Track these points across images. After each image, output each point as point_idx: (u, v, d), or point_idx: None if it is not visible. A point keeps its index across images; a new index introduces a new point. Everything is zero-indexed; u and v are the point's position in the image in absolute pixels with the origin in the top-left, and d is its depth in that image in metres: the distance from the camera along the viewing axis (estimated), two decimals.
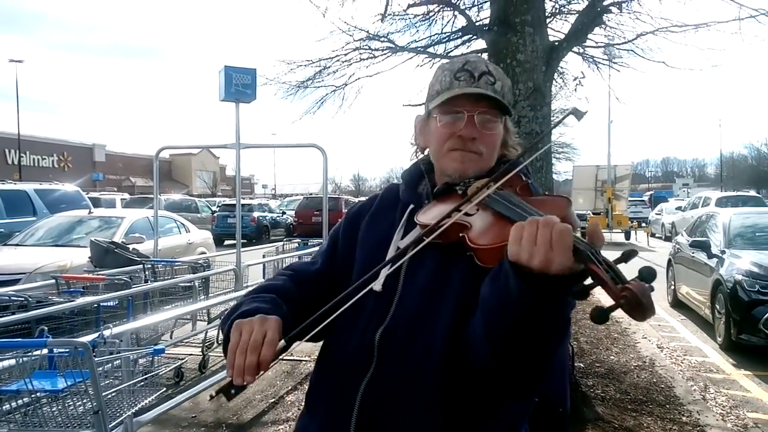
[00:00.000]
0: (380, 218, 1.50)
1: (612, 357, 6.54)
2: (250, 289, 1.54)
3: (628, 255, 1.03)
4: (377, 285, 1.32)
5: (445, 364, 1.25)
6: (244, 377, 1.19)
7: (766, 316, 6.54)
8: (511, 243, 1.05)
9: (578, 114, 1.35)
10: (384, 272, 1.32)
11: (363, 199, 1.70)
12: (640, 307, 0.93)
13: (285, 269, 1.60)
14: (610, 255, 1.04)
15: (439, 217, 1.27)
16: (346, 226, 1.56)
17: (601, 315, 0.98)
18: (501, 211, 1.21)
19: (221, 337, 6.96)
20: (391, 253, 1.37)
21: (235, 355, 1.20)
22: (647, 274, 0.97)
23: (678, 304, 9.78)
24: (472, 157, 1.38)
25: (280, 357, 1.26)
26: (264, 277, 9.07)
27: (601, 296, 1.19)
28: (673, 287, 10.10)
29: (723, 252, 7.86)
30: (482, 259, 1.18)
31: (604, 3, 5.94)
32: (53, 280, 5.78)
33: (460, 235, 1.24)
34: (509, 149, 1.49)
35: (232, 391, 1.21)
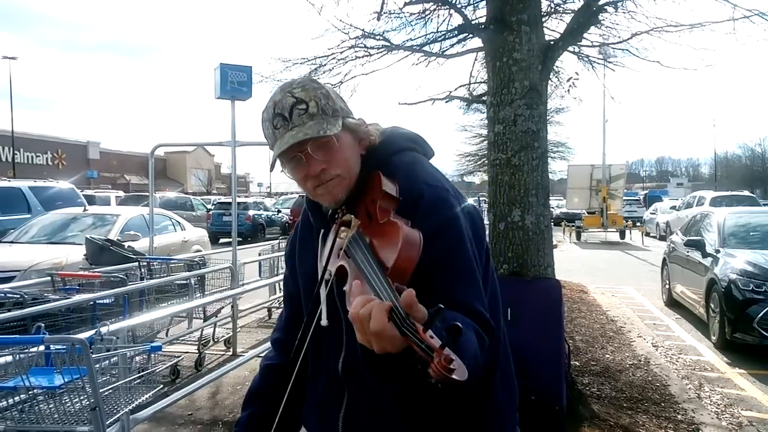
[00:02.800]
0: (305, 245, 1.56)
1: (607, 355, 6.57)
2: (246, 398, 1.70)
3: (434, 315, 0.98)
4: (323, 321, 1.35)
5: (398, 389, 1.29)
6: None
7: (760, 315, 6.58)
8: (356, 330, 1.06)
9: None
10: (323, 305, 1.34)
11: None
12: (446, 380, 0.91)
13: (272, 334, 1.74)
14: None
15: (325, 259, 1.31)
16: (288, 264, 1.68)
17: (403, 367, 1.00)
18: (358, 267, 1.19)
19: (217, 334, 6.97)
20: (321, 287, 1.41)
21: None
22: (453, 332, 0.95)
23: (673, 303, 9.82)
24: (333, 184, 1.39)
25: None
26: (260, 275, 9.07)
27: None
28: (667, 286, 10.14)
29: (717, 251, 7.89)
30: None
31: (600, 2, 5.95)
32: (49, 278, 5.77)
33: (344, 289, 1.22)
34: (368, 137, 1.47)
35: None
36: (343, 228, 1.32)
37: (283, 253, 9.76)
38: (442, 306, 0.96)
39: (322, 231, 1.46)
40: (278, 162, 1.43)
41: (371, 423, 1.39)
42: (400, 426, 1.35)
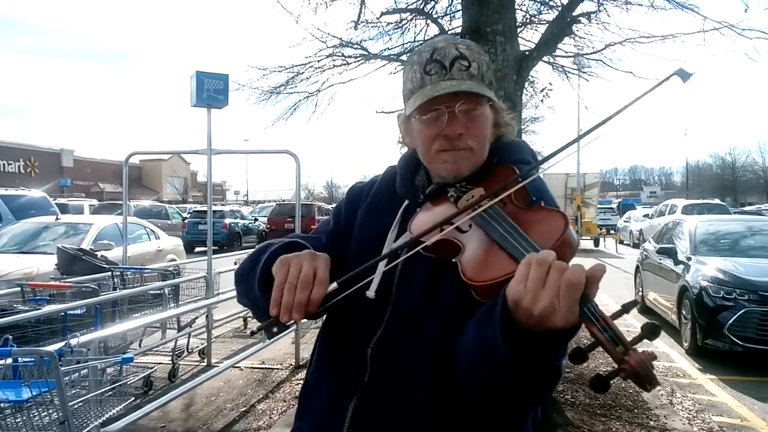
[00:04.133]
0: (377, 208, 1.43)
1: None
2: (261, 244, 1.43)
3: (627, 307, 0.98)
4: (370, 292, 1.26)
5: (436, 379, 1.22)
6: (292, 315, 1.13)
7: (730, 321, 6.69)
8: (516, 282, 0.98)
9: (684, 76, 1.21)
10: (377, 277, 1.26)
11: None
12: (639, 379, 0.88)
13: (292, 236, 1.49)
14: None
15: (428, 227, 1.20)
16: (348, 203, 1.51)
17: (599, 383, 0.92)
18: (494, 238, 1.12)
19: (191, 345, 6.88)
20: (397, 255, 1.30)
21: (282, 291, 1.15)
22: (649, 331, 0.92)
23: (646, 310, 9.94)
24: (462, 155, 1.29)
25: (332, 301, 1.18)
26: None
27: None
28: (640, 293, 10.27)
29: (689, 258, 8.02)
30: (478, 294, 1.10)
31: (574, 14, 6.04)
32: (18, 288, 5.66)
33: (453, 260, 1.16)
34: (503, 128, 1.39)
35: (275, 329, 1.16)
36: (468, 198, 1.22)
37: None
38: (638, 301, 0.91)
39: (406, 203, 1.38)
40: (409, 109, 1.30)
41: (385, 412, 1.24)
42: (412, 416, 1.22)
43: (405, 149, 1.48)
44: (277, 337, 1.18)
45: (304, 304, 1.14)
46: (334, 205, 1.57)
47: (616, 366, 0.90)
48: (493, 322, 1.02)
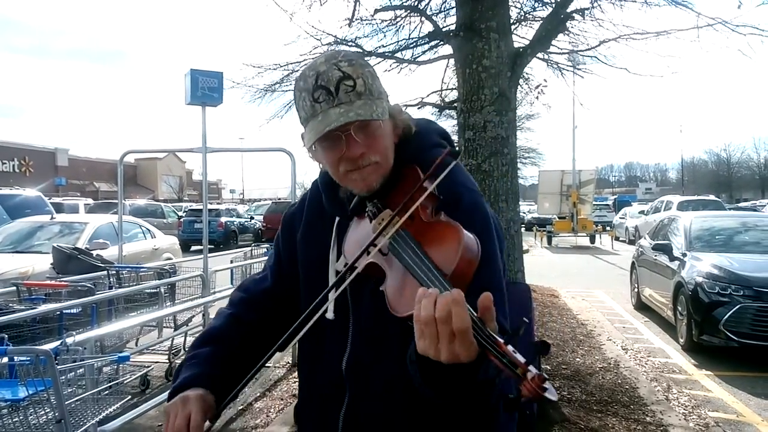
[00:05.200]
0: (313, 229, 1.46)
1: (578, 359, 6.64)
2: (195, 339, 1.53)
3: (518, 330, 0.95)
4: (329, 313, 1.30)
5: (410, 384, 1.22)
6: None
7: (726, 317, 6.70)
8: (417, 338, 1.02)
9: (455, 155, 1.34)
10: (332, 298, 1.28)
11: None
12: (536, 400, 0.89)
13: (236, 291, 1.59)
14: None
15: (357, 250, 1.22)
16: (283, 234, 1.54)
17: (509, 405, 0.93)
18: (405, 266, 1.13)
19: (188, 343, 6.87)
20: (331, 277, 1.34)
21: None
22: (539, 350, 0.95)
23: (642, 307, 9.97)
24: (369, 171, 1.29)
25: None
26: (232, 283, 8.98)
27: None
28: (636, 290, 10.29)
29: (684, 255, 8.04)
30: (407, 321, 1.10)
31: (568, 10, 6.05)
32: (14, 287, 5.64)
33: (380, 289, 1.17)
34: (401, 123, 1.39)
35: None
36: (380, 222, 1.23)
37: (256, 260, 9.73)
38: (527, 320, 0.94)
39: (338, 219, 1.39)
40: (306, 138, 1.32)
41: (373, 422, 1.31)
42: (402, 427, 1.28)
43: None
44: None
45: None
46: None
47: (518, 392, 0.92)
48: (411, 367, 1.11)
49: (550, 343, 0.92)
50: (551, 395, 0.88)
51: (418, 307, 1.00)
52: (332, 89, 1.25)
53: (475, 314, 0.97)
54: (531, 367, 0.89)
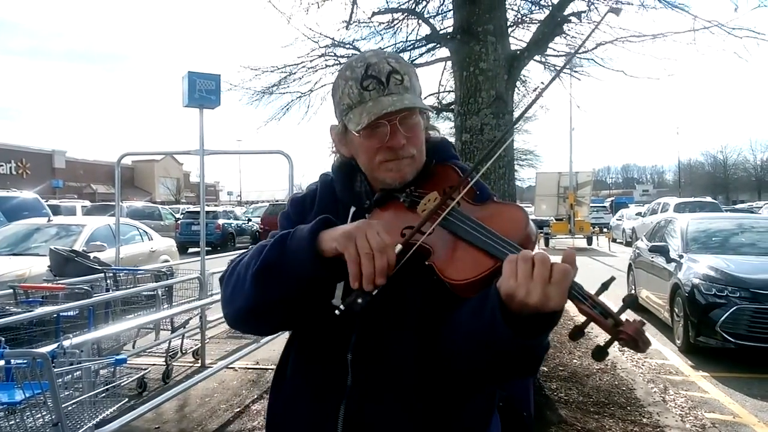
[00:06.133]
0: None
1: (575, 360, 6.65)
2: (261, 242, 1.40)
3: (607, 284, 1.05)
4: (336, 300, 1.27)
5: (419, 371, 1.27)
6: (377, 281, 1.15)
7: (722, 318, 6.72)
8: (506, 278, 1.06)
9: (616, 11, 1.39)
10: (340, 286, 1.26)
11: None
12: (635, 344, 0.98)
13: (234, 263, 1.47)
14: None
15: (391, 232, 1.22)
16: (295, 212, 1.51)
17: (599, 352, 1.03)
18: (463, 236, 1.19)
19: (185, 346, 6.87)
20: None
21: (359, 264, 1.16)
22: (630, 302, 1.02)
23: (638, 308, 9.96)
24: (406, 163, 1.36)
25: (402, 261, 1.20)
26: None
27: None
28: (633, 291, 10.30)
29: (681, 256, 8.05)
30: (458, 292, 1.17)
31: (564, 13, 6.06)
32: (11, 290, 5.63)
33: (426, 263, 1.21)
34: (429, 130, 1.49)
35: (359, 300, 1.16)
36: (425, 202, 1.30)
37: None
38: (615, 277, 1.02)
39: (354, 209, 1.41)
40: (349, 123, 1.35)
41: (377, 411, 1.28)
42: (406, 418, 1.27)
43: (334, 156, 1.55)
44: (361, 308, 1.18)
45: (386, 268, 1.16)
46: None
47: (610, 336, 1.01)
48: (489, 313, 1.10)
49: (636, 296, 1.01)
50: (646, 342, 0.99)
51: (512, 255, 1.08)
52: (383, 80, 1.32)
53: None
54: (623, 316, 0.99)
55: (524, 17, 8.15)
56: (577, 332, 1.05)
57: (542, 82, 8.70)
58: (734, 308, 6.71)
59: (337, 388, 1.31)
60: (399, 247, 1.20)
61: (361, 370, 1.30)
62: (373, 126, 1.31)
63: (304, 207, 1.50)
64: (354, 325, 1.31)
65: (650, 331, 8.58)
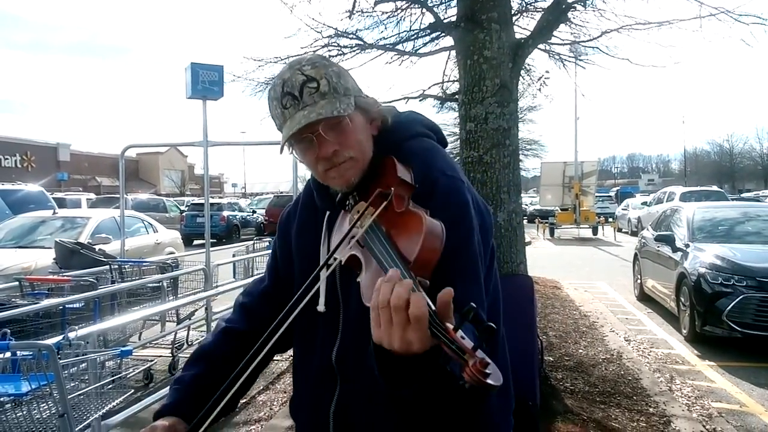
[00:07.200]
0: (306, 226, 1.49)
1: (580, 350, 6.64)
2: (188, 357, 1.56)
3: (466, 314, 0.92)
4: (320, 306, 1.33)
5: None
6: None
7: (729, 307, 6.70)
8: (373, 326, 1.02)
9: None
10: (322, 293, 1.32)
11: None
12: (481, 384, 0.88)
13: (240, 296, 1.65)
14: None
15: (333, 245, 1.25)
16: (279, 234, 1.59)
17: (458, 391, 0.92)
18: (373, 256, 1.15)
19: (191, 337, 6.88)
20: (322, 272, 1.33)
21: None
22: (486, 333, 0.91)
23: (644, 298, 9.96)
24: (346, 167, 1.33)
25: None
26: (234, 277, 8.99)
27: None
28: (639, 281, 10.28)
29: (687, 245, 8.02)
30: None
31: (569, 0, 6.01)
32: (17, 283, 5.65)
33: (357, 280, 1.19)
34: (376, 115, 1.41)
35: None
36: (356, 214, 1.25)
37: (258, 253, 9.74)
38: (474, 305, 0.91)
39: (328, 213, 1.42)
40: (286, 144, 1.36)
41: (364, 415, 1.32)
42: (392, 419, 1.25)
43: None
44: None
45: None
46: None
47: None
48: (371, 359, 1.08)
49: (494, 327, 0.90)
50: (493, 380, 0.87)
51: (376, 293, 1.01)
52: (296, 93, 1.30)
53: (433, 306, 0.97)
54: (478, 352, 0.89)
55: (528, 5, 8.10)
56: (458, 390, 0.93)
57: (547, 71, 8.65)
58: (741, 297, 6.69)
59: (329, 389, 1.37)
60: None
61: (345, 372, 1.35)
62: (300, 143, 1.32)
63: (289, 222, 1.56)
64: (338, 330, 1.37)
65: (656, 321, 8.59)
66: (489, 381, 0.87)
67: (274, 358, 6.27)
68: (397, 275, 1.01)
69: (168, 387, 1.56)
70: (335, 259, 1.23)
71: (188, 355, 5.62)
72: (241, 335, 1.50)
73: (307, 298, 1.23)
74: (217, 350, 1.50)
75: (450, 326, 0.93)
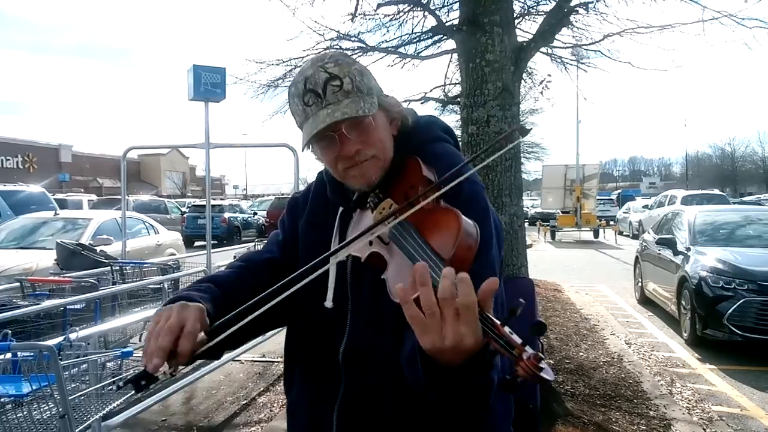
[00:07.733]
0: (316, 217, 1.48)
1: (581, 353, 6.63)
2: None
3: (515, 310, 0.92)
4: (328, 302, 1.31)
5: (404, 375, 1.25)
6: (152, 360, 1.11)
7: (729, 311, 6.69)
8: (420, 333, 0.97)
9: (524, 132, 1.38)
10: (330, 287, 1.31)
11: None
12: (536, 380, 0.89)
13: (237, 260, 1.54)
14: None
15: (360, 241, 1.22)
16: (289, 216, 1.56)
17: (507, 386, 0.92)
18: (407, 255, 1.13)
19: None
20: (332, 268, 1.30)
21: (149, 341, 1.14)
22: (537, 330, 0.91)
23: (645, 301, 9.95)
24: (368, 165, 1.32)
25: (202, 349, 1.16)
26: None
27: None
28: (640, 284, 10.27)
29: (688, 249, 8.01)
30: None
31: (571, 4, 6.02)
32: (18, 283, 5.65)
33: (382, 277, 1.17)
34: (397, 116, 1.41)
35: (142, 382, 1.12)
36: (381, 212, 1.25)
37: None
38: (523, 301, 0.90)
39: (341, 209, 1.41)
40: (305, 141, 1.33)
41: (370, 414, 1.30)
42: (398, 417, 1.28)
43: None
44: (145, 390, 1.16)
45: (165, 351, 1.12)
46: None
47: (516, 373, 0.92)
48: (417, 370, 1.06)
49: (545, 323, 0.90)
50: (547, 375, 0.88)
51: (420, 289, 0.96)
52: (320, 91, 1.28)
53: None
54: (527, 348, 0.89)
55: (531, 8, 8.11)
56: (508, 385, 0.92)
57: (548, 75, 8.66)
58: (742, 301, 6.68)
59: (334, 387, 1.34)
60: (202, 336, 1.16)
61: (351, 370, 1.33)
62: (323, 141, 1.30)
63: (298, 209, 1.54)
64: (345, 328, 1.34)
65: (657, 324, 8.58)
66: (543, 375, 0.88)
67: (275, 359, 6.26)
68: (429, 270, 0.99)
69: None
70: (348, 256, 1.22)
71: None
72: (247, 280, 1.40)
73: (317, 273, 1.18)
74: (228, 280, 1.40)
75: (497, 321, 0.94)
